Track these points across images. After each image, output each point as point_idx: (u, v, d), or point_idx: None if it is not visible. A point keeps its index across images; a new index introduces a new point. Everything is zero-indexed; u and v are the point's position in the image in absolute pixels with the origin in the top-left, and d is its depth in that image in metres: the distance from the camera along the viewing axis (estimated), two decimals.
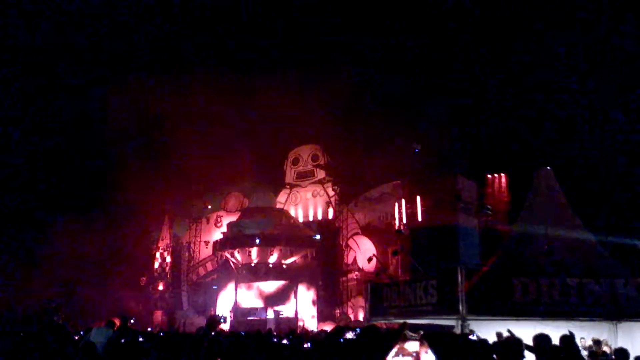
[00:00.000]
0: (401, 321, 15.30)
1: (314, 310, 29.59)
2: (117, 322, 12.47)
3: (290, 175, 37.80)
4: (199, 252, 37.67)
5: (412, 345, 5.25)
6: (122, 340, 7.99)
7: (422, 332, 5.50)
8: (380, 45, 31.31)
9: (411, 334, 5.44)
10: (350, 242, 31.04)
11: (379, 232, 29.22)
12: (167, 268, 36.96)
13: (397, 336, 5.00)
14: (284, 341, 10.62)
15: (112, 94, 32.64)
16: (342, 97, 31.41)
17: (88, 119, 34.25)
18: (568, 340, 7.73)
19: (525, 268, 12.76)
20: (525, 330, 10.67)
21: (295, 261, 31.87)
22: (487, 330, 11.62)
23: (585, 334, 11.14)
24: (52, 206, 32.98)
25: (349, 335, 4.21)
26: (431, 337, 5.11)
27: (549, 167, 15.90)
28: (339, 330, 4.38)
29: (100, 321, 11.78)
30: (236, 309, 30.26)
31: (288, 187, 37.67)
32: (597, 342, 10.87)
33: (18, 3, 29.32)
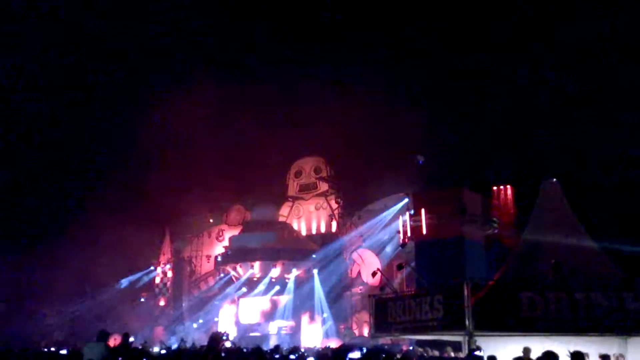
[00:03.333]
0: (407, 337, 15.05)
1: (317, 326, 29.29)
2: (117, 337, 12.19)
3: (292, 188, 37.65)
4: (201, 266, 37.47)
5: None
6: (120, 358, 7.77)
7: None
8: (384, 57, 31.35)
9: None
10: (354, 255, 30.81)
11: (383, 245, 28.99)
12: (169, 283, 36.76)
13: None
14: (292, 357, 10.39)
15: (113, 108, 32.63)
16: (345, 110, 31.36)
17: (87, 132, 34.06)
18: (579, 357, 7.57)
19: (532, 282, 12.54)
20: (533, 346, 10.47)
21: (298, 275, 31.63)
22: (495, 346, 11.40)
23: (594, 348, 10.93)
24: (50, 221, 32.85)
25: (355, 354, 4.03)
26: None
27: (555, 179, 15.74)
28: (345, 349, 4.20)
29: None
30: (238, 325, 30.01)
31: (291, 200, 37.52)
32: (605, 357, 10.66)
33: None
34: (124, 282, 34.58)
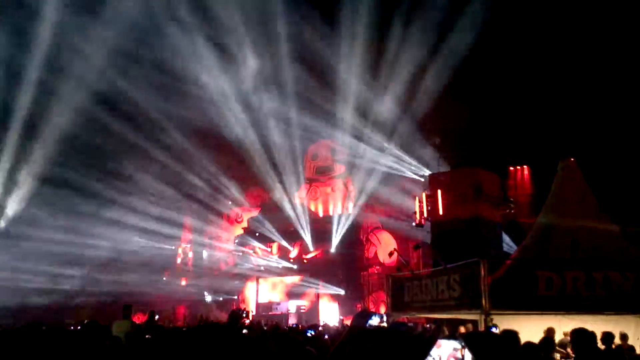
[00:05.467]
0: (422, 316, 15.21)
1: (335, 305, 29.66)
2: (141, 315, 12.55)
3: (309, 171, 37.80)
4: (220, 247, 38.00)
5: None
6: (147, 336, 8.00)
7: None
8: (399, 37, 30.86)
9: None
10: (371, 236, 31.00)
11: (399, 226, 29.13)
12: (189, 263, 37.39)
13: (434, 342, 4.75)
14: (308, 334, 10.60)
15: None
16: (360, 91, 31.19)
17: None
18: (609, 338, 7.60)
19: (550, 261, 12.55)
20: (550, 324, 10.55)
21: (315, 256, 31.98)
22: (511, 325, 11.48)
23: (611, 328, 10.97)
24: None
25: (375, 320, 4.08)
26: (469, 338, 4.81)
27: (572, 158, 15.60)
28: (367, 313, 4.27)
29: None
30: (257, 304, 30.52)
31: (308, 182, 37.70)
32: (623, 336, 10.70)
33: None
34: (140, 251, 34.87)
